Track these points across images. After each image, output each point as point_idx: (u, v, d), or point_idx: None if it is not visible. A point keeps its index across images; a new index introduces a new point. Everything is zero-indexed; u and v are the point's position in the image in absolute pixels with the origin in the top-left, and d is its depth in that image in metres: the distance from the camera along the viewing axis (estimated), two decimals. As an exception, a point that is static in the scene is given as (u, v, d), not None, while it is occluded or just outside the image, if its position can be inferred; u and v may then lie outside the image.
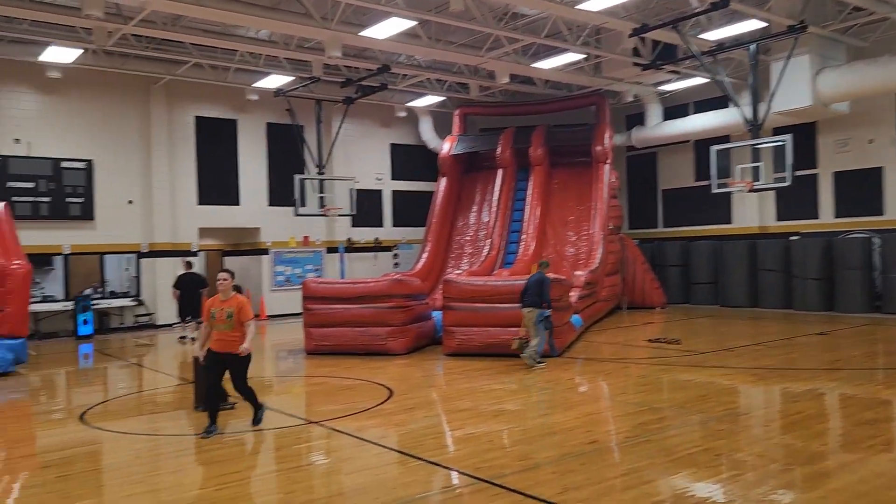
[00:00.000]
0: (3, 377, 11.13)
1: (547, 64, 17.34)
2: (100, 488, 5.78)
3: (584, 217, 18.92)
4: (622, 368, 10.84)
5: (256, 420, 7.29)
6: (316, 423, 7.62)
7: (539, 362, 10.65)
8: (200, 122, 19.49)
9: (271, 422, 7.82)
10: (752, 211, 20.08)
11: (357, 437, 6.92)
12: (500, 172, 20.16)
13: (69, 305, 16.85)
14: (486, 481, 5.45)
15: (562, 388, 9.46)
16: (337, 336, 12.47)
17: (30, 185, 16.66)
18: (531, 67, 17.62)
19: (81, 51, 15.88)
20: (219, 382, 7.18)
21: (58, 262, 17.36)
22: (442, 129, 22.19)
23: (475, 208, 20.61)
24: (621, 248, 19.27)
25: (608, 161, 19.41)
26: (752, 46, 15.29)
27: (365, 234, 22.27)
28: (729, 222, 20.66)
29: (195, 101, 19.37)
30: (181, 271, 15.25)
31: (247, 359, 7.12)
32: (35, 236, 16.15)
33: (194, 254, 18.94)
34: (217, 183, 19.70)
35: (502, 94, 21.71)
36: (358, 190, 20.06)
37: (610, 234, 18.27)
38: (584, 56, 17.30)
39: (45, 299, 16.95)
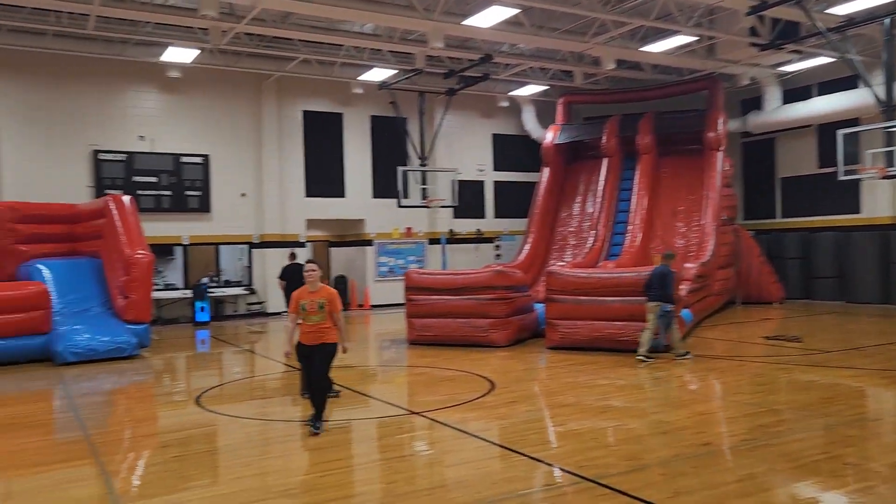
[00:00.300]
0: (129, 360, 11.86)
1: (656, 48, 16.65)
2: (212, 470, 5.99)
3: (694, 207, 18.10)
4: (736, 366, 10.25)
5: (316, 427, 6.71)
6: (418, 413, 7.61)
7: (683, 354, 10.45)
8: (308, 116, 20.06)
9: (374, 411, 7.91)
10: (884, 200, 18.54)
11: (458, 430, 6.85)
12: (605, 162, 19.60)
13: (188, 293, 17.81)
14: (591, 480, 5.24)
15: (671, 386, 9.05)
16: (439, 327, 12.49)
17: (153, 179, 17.70)
18: (639, 52, 16.98)
19: (199, 51, 16.65)
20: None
21: (178, 253, 18.38)
22: (545, 119, 21.81)
23: (579, 199, 20.15)
24: (735, 240, 18.31)
25: (721, 148, 18.47)
26: (887, 20, 14.07)
27: (467, 226, 22.26)
28: (857, 212, 19.17)
29: (303, 96, 19.95)
30: (287, 262, 15.73)
31: (333, 352, 6.86)
32: (157, 228, 17.15)
33: (301, 244, 19.54)
34: (323, 175, 20.23)
35: (608, 81, 21.06)
36: (460, 181, 20.07)
37: (723, 224, 17.38)
38: (697, 38, 16.47)
39: (167, 287, 17.99)
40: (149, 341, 12.86)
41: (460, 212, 21.48)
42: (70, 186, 16.65)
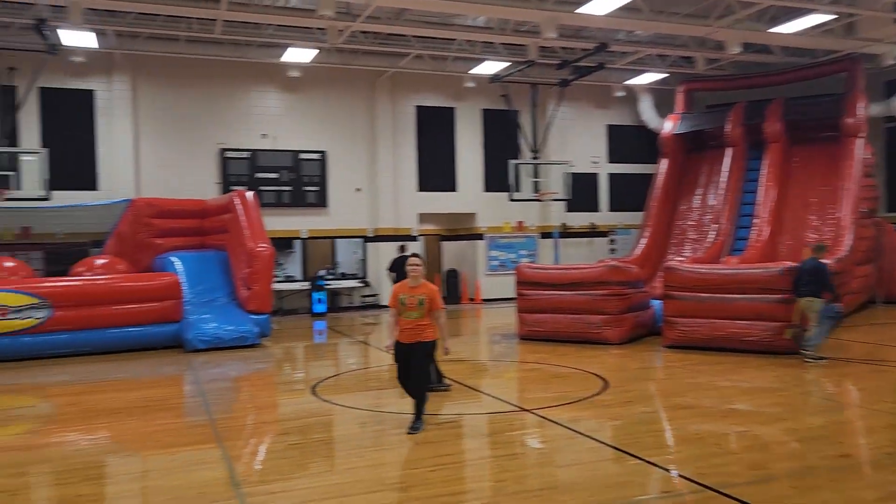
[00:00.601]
0: (251, 348, 12.42)
1: (787, 28, 15.57)
2: (326, 459, 6.11)
3: (829, 199, 16.81)
4: (878, 372, 9.40)
5: (413, 428, 6.55)
6: (528, 410, 7.47)
7: (820, 358, 9.73)
8: (420, 111, 20.28)
9: (485, 406, 7.83)
10: None
11: (570, 429, 6.66)
12: (728, 151, 18.57)
13: (306, 285, 18.48)
14: (712, 489, 4.92)
15: (803, 391, 8.41)
16: (550, 322, 12.26)
17: (274, 175, 18.49)
18: (768, 33, 15.95)
19: (317, 50, 17.18)
20: (408, 375, 6.68)
21: (297, 246, 19.11)
22: (663, 108, 20.95)
23: (700, 191, 19.22)
24: (876, 234, 16.86)
25: (861, 135, 17.04)
26: None
27: (580, 219, 21.80)
28: None
29: (416, 92, 20.18)
30: (396, 255, 16.00)
31: (431, 350, 6.67)
32: (278, 222, 17.89)
33: (414, 238, 19.80)
34: (435, 170, 20.40)
35: (732, 66, 19.93)
36: (573, 174, 19.67)
37: (862, 217, 16.04)
38: (835, 16, 15.26)
39: (287, 279, 18.75)
40: (269, 331, 13.42)
41: (573, 205, 21.05)
42: (199, 183, 17.67)
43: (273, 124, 18.76)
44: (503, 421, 7.22)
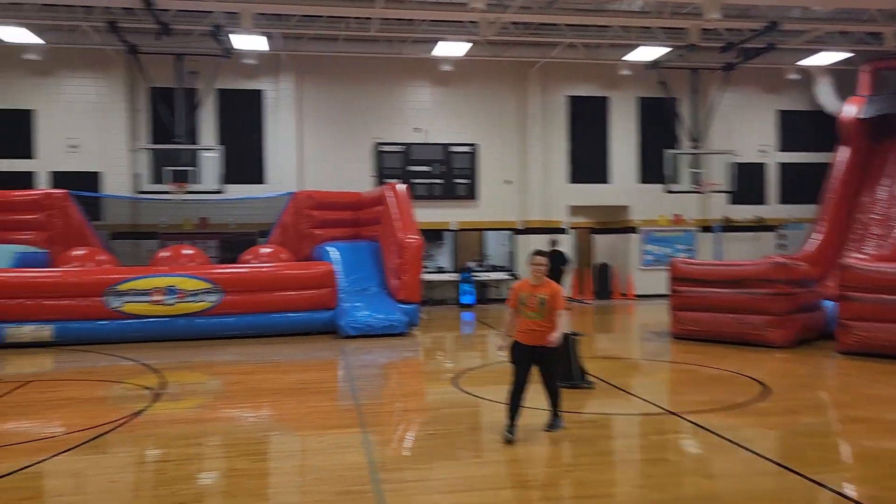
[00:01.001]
0: (400, 337, 12.74)
1: None
2: (463, 451, 6.07)
3: None
4: None
5: (552, 426, 6.34)
6: (677, 414, 7.03)
7: None
8: (572, 101, 19.83)
9: (631, 407, 7.48)
10: None
11: (722, 436, 6.17)
12: (922, 137, 16.50)
13: (455, 276, 18.71)
14: (890, 517, 4.34)
15: None
16: (707, 321, 11.52)
17: (426, 168, 18.86)
18: (973, 1, 13.97)
19: (469, 44, 17.27)
20: (526, 379, 6.20)
21: (447, 238, 19.39)
22: (844, 90, 19.00)
23: (886, 181, 17.21)
24: None
25: None
26: None
27: (744, 212, 20.35)
28: None
29: (568, 81, 19.75)
30: (546, 249, 15.80)
31: (558, 352, 6.34)
32: (429, 214, 18.21)
33: (564, 231, 19.43)
34: (587, 161, 19.88)
35: (929, 41, 17.67)
36: (737, 164, 18.40)
37: None
38: None
39: (437, 270, 19.09)
40: (418, 320, 13.70)
41: (737, 197, 19.67)
42: (356, 176, 18.39)
43: (425, 118, 19.14)
44: (649, 423, 6.85)
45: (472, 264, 19.07)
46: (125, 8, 14.73)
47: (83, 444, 6.24)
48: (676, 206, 19.95)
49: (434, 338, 13.49)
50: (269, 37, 16.68)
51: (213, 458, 6.15)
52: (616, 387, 8.40)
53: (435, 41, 17.20)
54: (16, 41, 16.01)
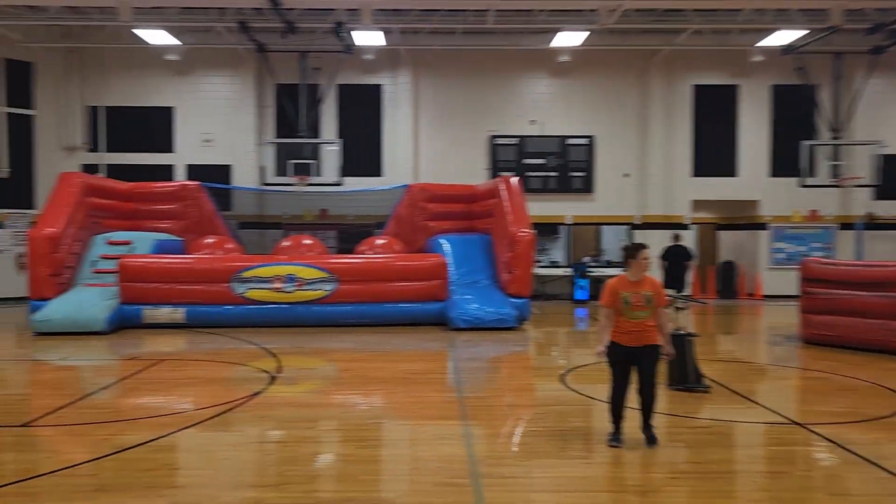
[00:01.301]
0: (509, 331, 12.64)
1: None
2: (565, 450, 5.89)
3: None
4: None
5: (649, 439, 5.81)
6: (803, 425, 6.51)
7: None
8: (698, 90, 18.92)
9: (750, 414, 7.01)
10: None
11: (853, 452, 5.65)
12: None
13: (569, 271, 18.36)
14: None
15: None
16: (841, 326, 10.62)
17: (540, 161, 18.62)
18: None
19: (587, 33, 16.84)
20: (628, 383, 5.85)
21: (562, 231, 19.05)
22: None
23: None
24: None
25: None
26: None
27: (892, 209, 18.65)
28: None
29: (693, 70, 18.86)
30: (669, 243, 15.18)
31: (659, 356, 5.87)
32: (543, 207, 17.98)
33: (686, 227, 18.59)
34: (713, 153, 18.92)
35: None
36: (884, 155, 16.88)
37: None
38: None
39: (551, 265, 18.80)
40: (529, 315, 13.54)
41: (884, 192, 18.07)
42: (470, 169, 18.43)
43: (541, 110, 18.86)
44: (771, 433, 6.38)
45: (587, 259, 18.65)
46: (255, 8, 15.45)
47: (204, 421, 6.60)
48: (812, 201, 18.62)
49: (545, 333, 13.29)
50: (388, 32, 17.00)
51: (321, 442, 6.32)
52: (736, 392, 7.90)
53: (553, 31, 16.89)
54: (158, 43, 17.21)
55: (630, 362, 5.80)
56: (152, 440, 5.97)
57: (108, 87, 18.58)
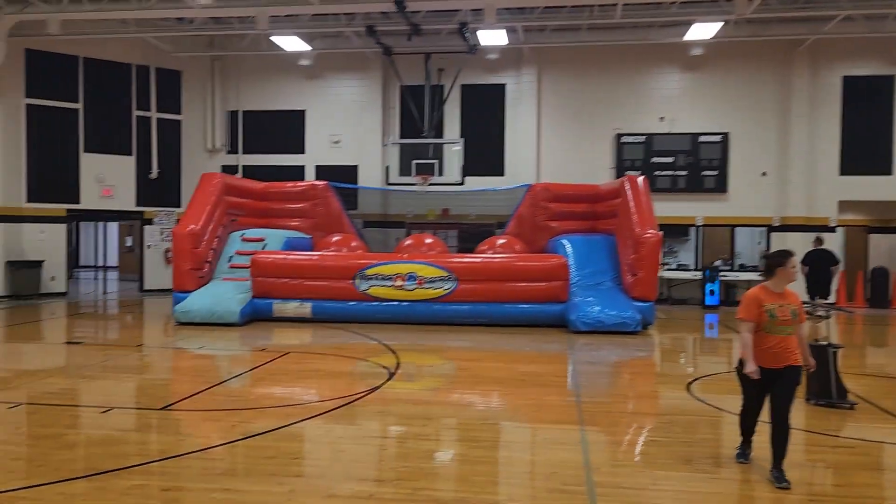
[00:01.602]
0: (632, 335, 12.18)
1: None
2: (687, 463, 5.55)
3: None
4: None
5: (779, 480, 4.94)
6: (967, 451, 5.81)
7: None
8: (847, 82, 17.46)
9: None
10: None
11: None
12: None
13: (698, 275, 17.48)
14: None
15: None
16: None
17: (669, 159, 17.85)
18: None
19: (722, 23, 15.97)
20: (762, 403, 5.26)
21: (692, 233, 18.19)
22: None
23: None
24: None
25: None
26: None
27: None
28: None
29: (843, 60, 17.45)
30: (811, 247, 14.08)
31: (800, 379, 5.18)
32: (672, 208, 17.25)
33: (832, 229, 17.22)
34: (864, 149, 17.41)
35: None
36: None
37: None
38: None
39: (679, 268, 18.00)
40: (653, 319, 13.01)
41: None
42: (594, 168, 18.00)
43: (671, 107, 18.10)
44: (924, 458, 5.74)
45: (718, 263, 17.70)
46: (382, 12, 15.83)
47: (324, 413, 6.80)
48: None
49: (670, 338, 12.71)
50: (512, 31, 16.90)
51: (435, 440, 6.33)
52: (886, 410, 7.18)
53: (685, 24, 16.15)
54: (291, 49, 18.03)
55: (766, 385, 5.15)
56: (276, 429, 6.21)
57: (245, 93, 19.69)
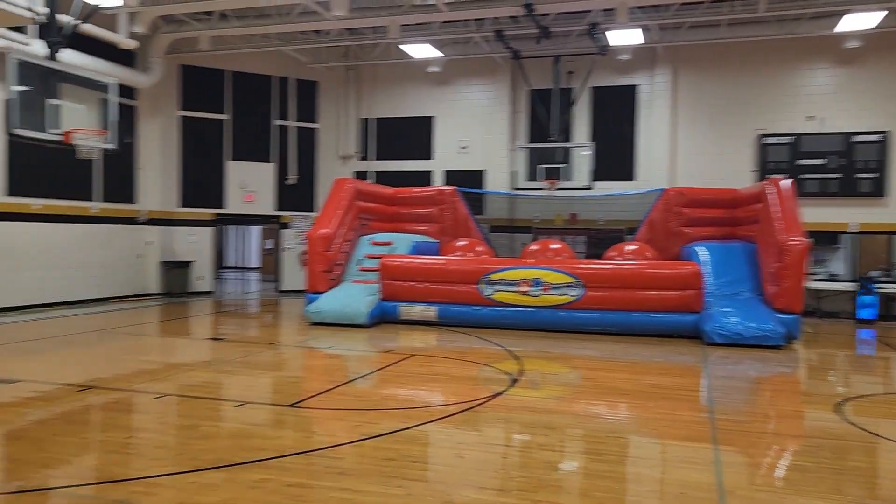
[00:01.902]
0: (773, 349, 11.34)
1: None
2: (833, 494, 5.05)
3: None
4: None
5: None
6: None
7: None
8: None
9: None
10: None
11: None
12: None
13: (852, 286, 16.05)
14: None
15: None
16: None
17: (819, 161, 16.54)
18: None
19: (884, 12, 14.62)
20: None
21: (845, 241, 16.74)
22: None
23: None
24: None
25: None
26: None
27: None
28: None
29: None
30: None
31: None
32: (822, 213, 16.01)
33: None
34: None
35: None
36: None
37: None
38: None
39: (830, 278, 16.61)
40: (798, 333, 12.06)
41: None
42: (733, 171, 17.00)
43: (821, 105, 16.76)
44: None
45: (875, 273, 16.16)
46: (511, 16, 15.78)
47: (445, 417, 6.78)
48: None
49: (818, 354, 11.73)
50: (646, 30, 16.32)
51: (555, 451, 6.14)
52: None
53: (838, 14, 14.93)
54: (422, 57, 18.37)
55: None
56: (396, 431, 6.25)
57: (377, 101, 20.27)
